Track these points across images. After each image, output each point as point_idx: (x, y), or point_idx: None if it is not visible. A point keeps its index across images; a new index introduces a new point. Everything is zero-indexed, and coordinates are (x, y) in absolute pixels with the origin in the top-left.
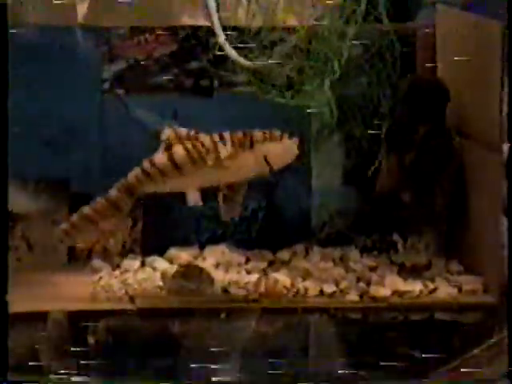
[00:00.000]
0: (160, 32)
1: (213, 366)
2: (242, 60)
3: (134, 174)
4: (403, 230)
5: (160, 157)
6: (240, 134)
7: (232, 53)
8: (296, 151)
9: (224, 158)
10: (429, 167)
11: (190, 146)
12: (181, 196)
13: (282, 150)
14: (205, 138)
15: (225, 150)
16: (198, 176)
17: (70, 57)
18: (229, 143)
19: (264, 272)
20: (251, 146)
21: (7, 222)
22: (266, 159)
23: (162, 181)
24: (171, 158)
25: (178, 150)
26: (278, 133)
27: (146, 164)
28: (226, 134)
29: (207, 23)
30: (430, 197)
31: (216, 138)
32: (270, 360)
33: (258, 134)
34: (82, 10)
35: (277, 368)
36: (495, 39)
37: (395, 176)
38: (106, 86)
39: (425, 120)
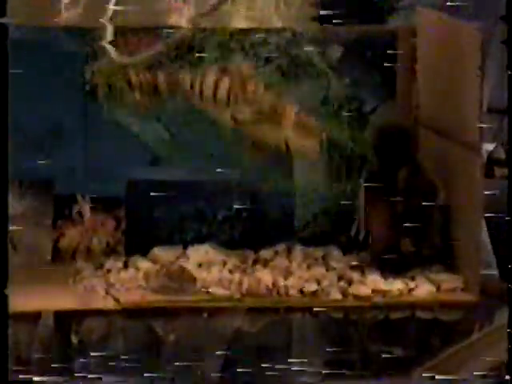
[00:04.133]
0: (144, 33)
1: (196, 365)
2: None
3: None
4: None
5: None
6: (278, 108)
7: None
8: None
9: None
10: (418, 210)
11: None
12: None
13: (305, 144)
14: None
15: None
16: None
17: (53, 57)
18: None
19: (247, 271)
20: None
21: (6, 223)
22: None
23: None
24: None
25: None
26: (311, 124)
27: None
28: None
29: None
30: (425, 236)
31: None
32: (253, 359)
33: (290, 118)
34: (65, 10)
35: (260, 367)
36: (476, 40)
37: (390, 226)
38: (89, 87)
39: (401, 164)
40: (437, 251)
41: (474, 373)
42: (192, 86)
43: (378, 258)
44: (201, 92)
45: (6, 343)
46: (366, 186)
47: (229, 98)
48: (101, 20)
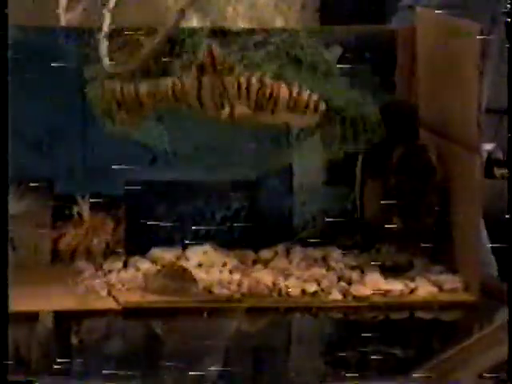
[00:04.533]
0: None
1: (196, 365)
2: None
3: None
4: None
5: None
6: (265, 94)
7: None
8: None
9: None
10: (411, 188)
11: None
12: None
13: (304, 122)
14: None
15: (240, 108)
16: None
17: (52, 58)
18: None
19: (246, 272)
20: (272, 112)
21: (6, 223)
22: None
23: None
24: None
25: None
26: (304, 101)
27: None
28: (253, 90)
29: (192, 24)
30: (417, 218)
31: (243, 85)
32: (253, 359)
33: (283, 100)
34: (63, 10)
35: (260, 367)
36: (474, 40)
37: (380, 203)
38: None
39: (398, 142)
40: (428, 233)
41: (474, 373)
42: (174, 91)
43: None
44: (184, 94)
45: (6, 343)
46: (363, 160)
47: (214, 96)
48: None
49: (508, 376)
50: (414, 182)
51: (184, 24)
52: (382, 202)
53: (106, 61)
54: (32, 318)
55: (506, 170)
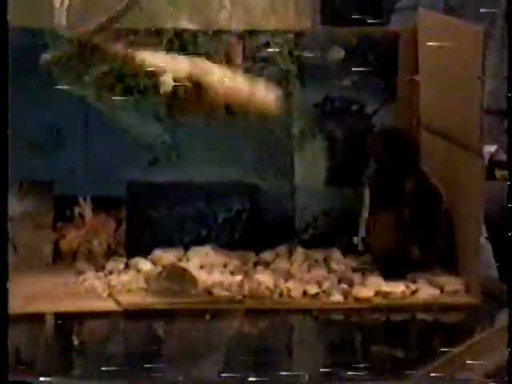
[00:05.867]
0: (143, 34)
1: (197, 366)
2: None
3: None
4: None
5: None
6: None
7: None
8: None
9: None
10: (426, 218)
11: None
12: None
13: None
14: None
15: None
16: None
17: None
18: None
19: (247, 273)
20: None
21: (6, 224)
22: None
23: None
24: None
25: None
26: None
27: None
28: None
29: (192, 26)
30: (433, 245)
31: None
32: (253, 360)
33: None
34: (61, 11)
35: (261, 369)
36: (477, 42)
37: (396, 234)
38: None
39: (407, 173)
40: (440, 256)
41: (475, 374)
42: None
43: (382, 264)
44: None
45: (6, 344)
46: (370, 191)
47: None
48: None
49: (508, 377)
50: (427, 212)
51: (184, 27)
52: (397, 232)
53: (63, 22)
54: (32, 318)
55: (507, 172)
